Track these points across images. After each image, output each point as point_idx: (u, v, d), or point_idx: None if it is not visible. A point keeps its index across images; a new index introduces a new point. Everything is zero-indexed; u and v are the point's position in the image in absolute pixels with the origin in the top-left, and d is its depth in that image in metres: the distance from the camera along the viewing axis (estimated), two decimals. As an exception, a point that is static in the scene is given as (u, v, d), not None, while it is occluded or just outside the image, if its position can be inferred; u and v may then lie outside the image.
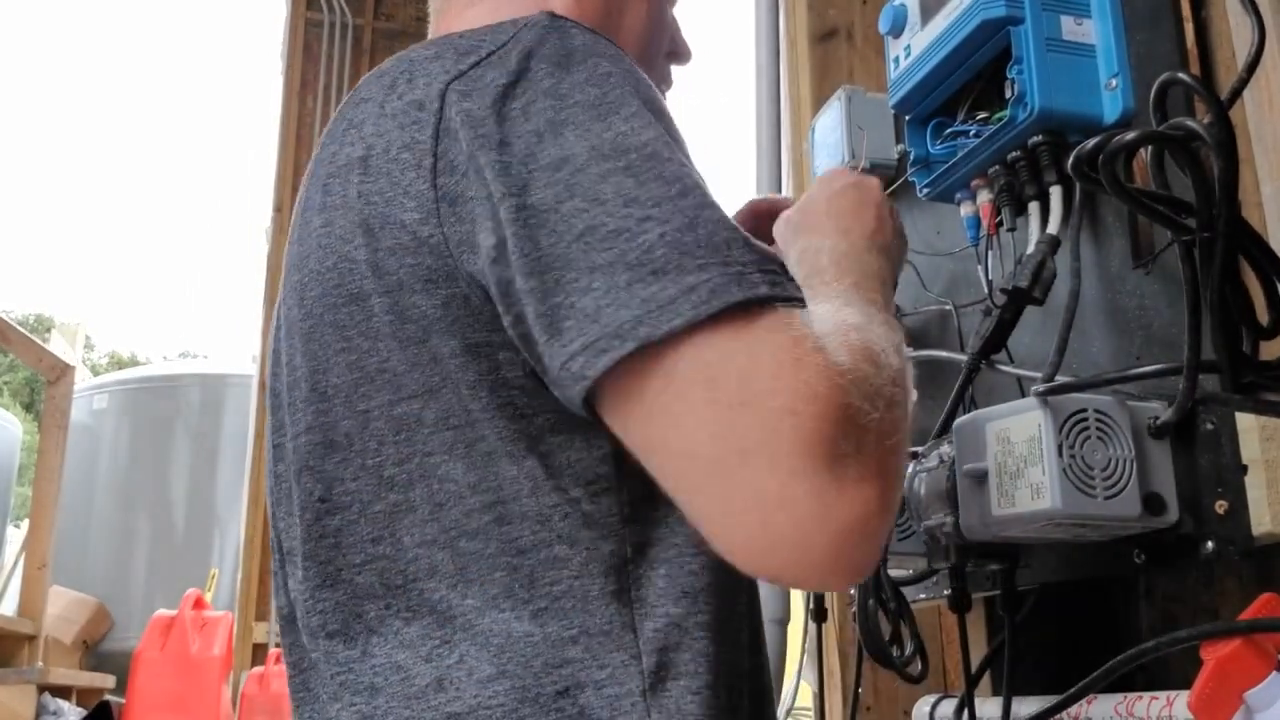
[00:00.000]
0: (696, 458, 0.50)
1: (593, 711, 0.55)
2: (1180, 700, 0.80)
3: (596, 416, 0.54)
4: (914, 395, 0.59)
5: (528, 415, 0.58)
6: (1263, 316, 0.71)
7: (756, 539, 0.49)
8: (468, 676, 0.56)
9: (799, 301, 0.54)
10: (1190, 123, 0.68)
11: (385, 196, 0.60)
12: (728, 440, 0.49)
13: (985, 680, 1.05)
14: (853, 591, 0.97)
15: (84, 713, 3.56)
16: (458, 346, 0.58)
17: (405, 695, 0.57)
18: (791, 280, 0.57)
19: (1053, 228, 0.89)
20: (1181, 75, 0.71)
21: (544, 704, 0.55)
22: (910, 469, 0.87)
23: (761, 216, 0.85)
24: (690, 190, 0.55)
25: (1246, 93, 0.82)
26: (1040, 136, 0.88)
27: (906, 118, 1.01)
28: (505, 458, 0.58)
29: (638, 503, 0.59)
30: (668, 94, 0.84)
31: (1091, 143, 0.68)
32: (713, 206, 0.55)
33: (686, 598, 0.58)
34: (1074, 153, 0.69)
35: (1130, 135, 0.67)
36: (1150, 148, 0.77)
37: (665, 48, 0.82)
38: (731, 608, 0.61)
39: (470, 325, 0.58)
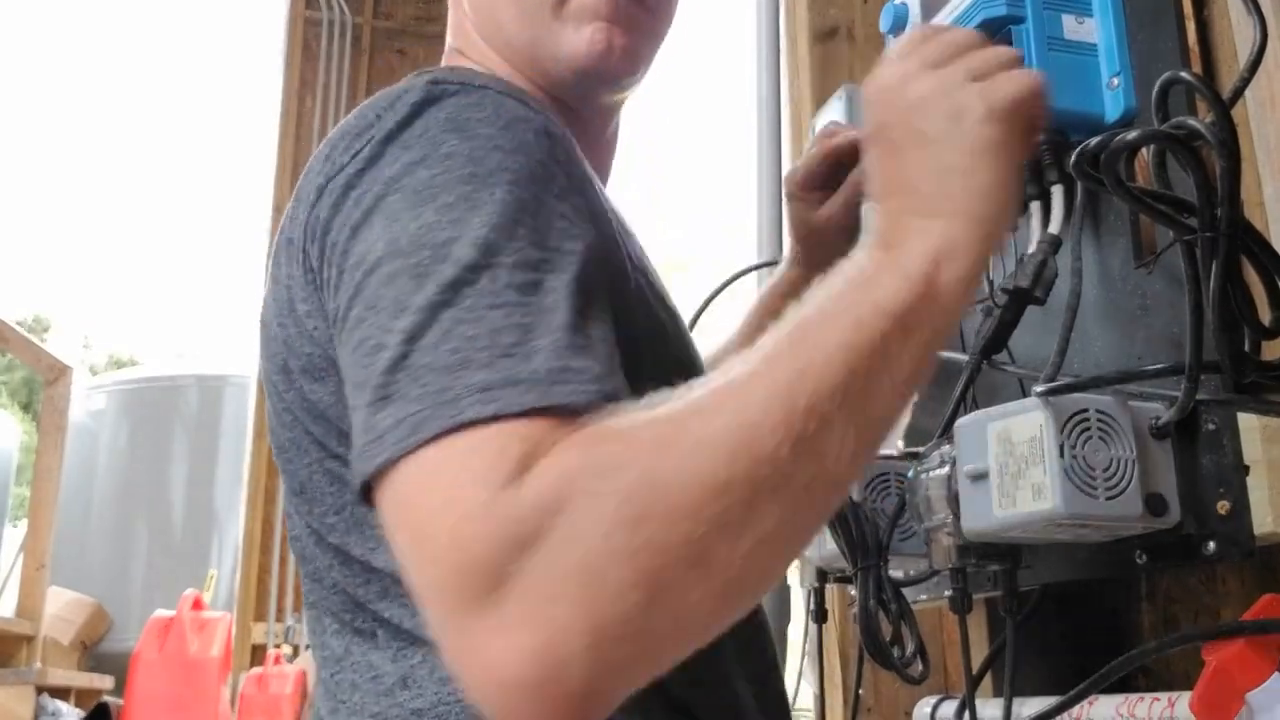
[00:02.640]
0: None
1: None
2: (1182, 701, 0.80)
3: None
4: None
5: None
6: (1265, 316, 0.71)
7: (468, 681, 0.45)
8: (429, 675, 0.58)
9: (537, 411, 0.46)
10: (1192, 122, 0.67)
11: (288, 284, 0.63)
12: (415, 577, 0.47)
13: (986, 681, 1.05)
14: (853, 592, 0.97)
15: (82, 714, 3.56)
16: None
17: (377, 693, 0.60)
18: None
19: (1054, 227, 0.89)
20: (1184, 74, 0.71)
21: None
22: (912, 470, 0.87)
23: (844, 155, 0.83)
24: (471, 292, 0.49)
25: (1248, 92, 0.82)
26: (1041, 135, 0.88)
27: (907, 117, 1.01)
28: None
29: None
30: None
31: (1094, 142, 0.67)
32: (473, 308, 0.49)
33: None
34: (1076, 152, 0.69)
35: (1132, 134, 0.67)
36: (1152, 147, 0.76)
37: None
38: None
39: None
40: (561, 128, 0.61)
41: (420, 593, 0.46)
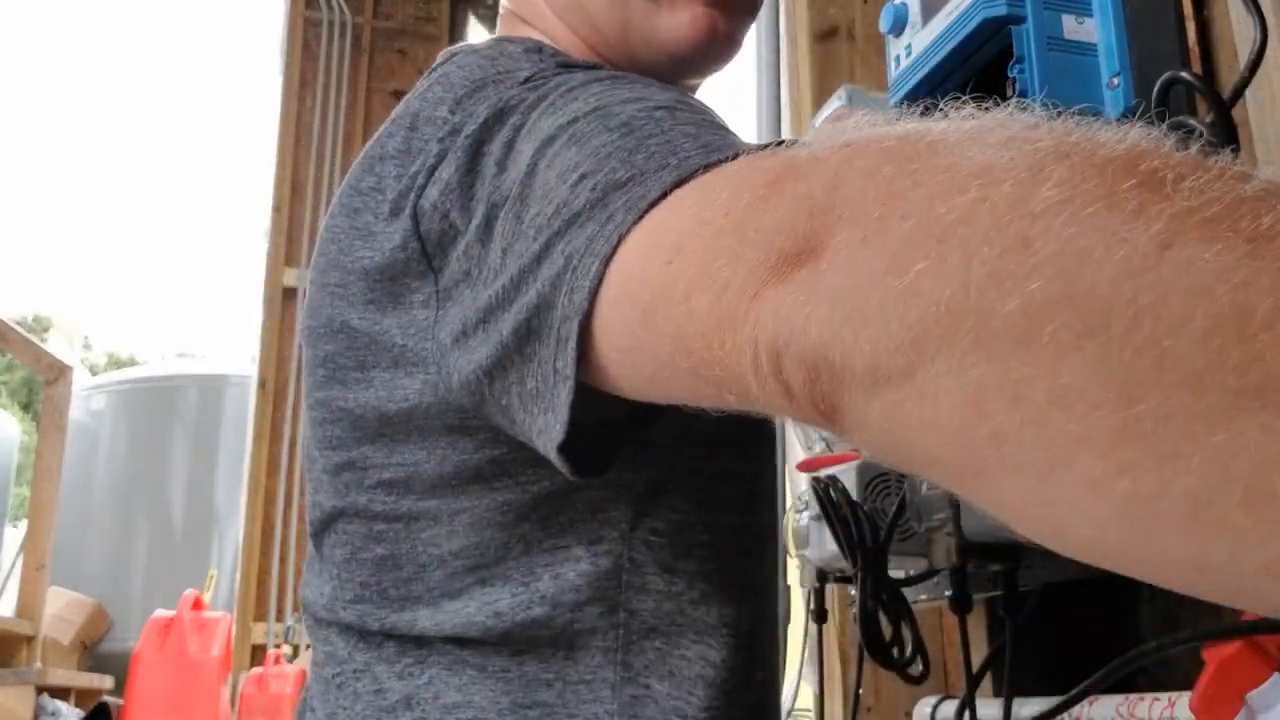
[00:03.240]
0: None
1: None
2: (1182, 701, 0.80)
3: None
4: None
5: (524, 484, 0.57)
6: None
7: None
8: (433, 700, 0.57)
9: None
10: (1193, 121, 0.67)
11: (387, 274, 0.59)
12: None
13: (986, 681, 1.05)
14: (853, 592, 0.97)
15: (82, 714, 3.56)
16: (444, 425, 0.56)
17: (378, 707, 0.59)
18: None
19: (1054, 227, 0.89)
20: (1184, 74, 0.71)
21: None
22: (911, 469, 0.87)
23: None
24: (566, 220, 0.45)
25: (1249, 92, 0.82)
26: (1041, 136, 0.88)
27: (907, 117, 1.01)
28: (493, 527, 0.57)
29: (640, 569, 0.58)
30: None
31: None
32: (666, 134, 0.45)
33: (672, 679, 0.57)
34: None
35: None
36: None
37: None
38: (727, 697, 0.59)
39: (452, 407, 0.56)
40: None
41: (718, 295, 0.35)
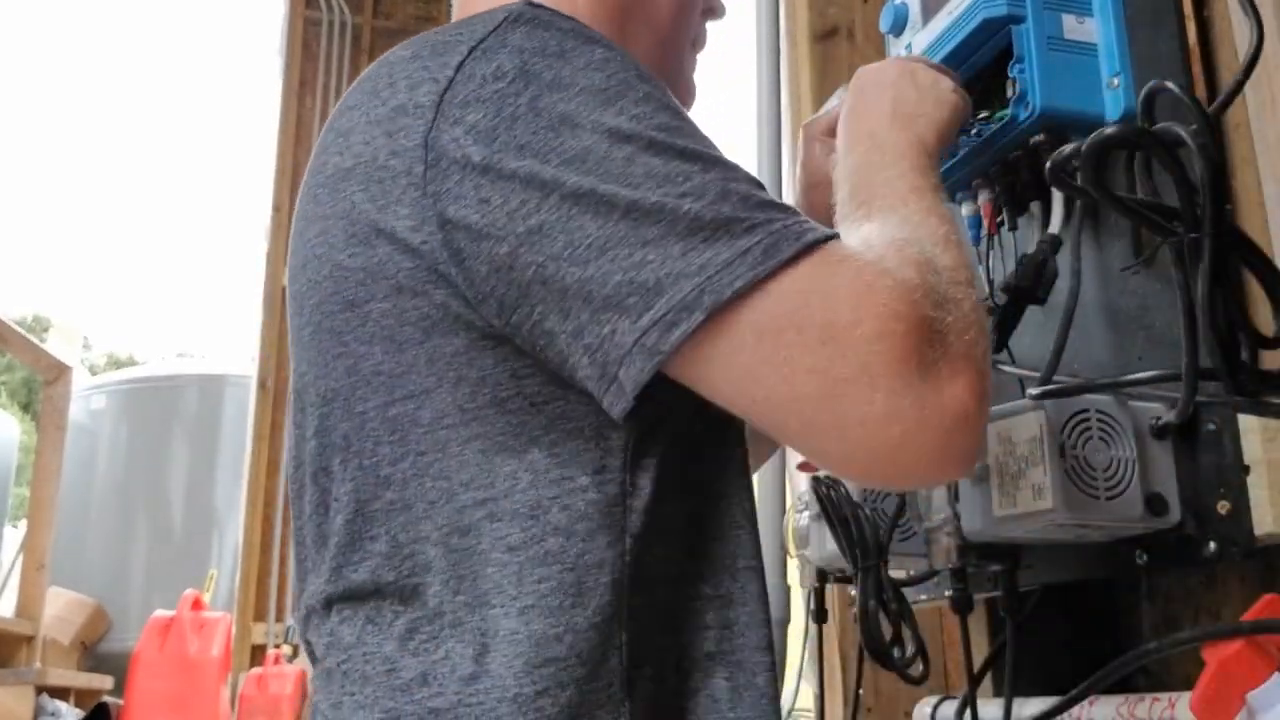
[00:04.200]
0: (798, 399, 0.53)
1: (572, 709, 0.56)
2: (1182, 702, 0.80)
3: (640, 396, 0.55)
4: (977, 280, 0.62)
5: (538, 404, 0.59)
6: (1266, 326, 0.71)
7: (873, 456, 0.53)
8: (450, 673, 0.57)
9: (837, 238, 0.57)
10: (1176, 128, 0.67)
11: (377, 204, 0.60)
12: (826, 374, 0.52)
13: (986, 681, 1.05)
14: (853, 592, 0.97)
15: (82, 714, 3.56)
16: (461, 345, 0.59)
17: (391, 687, 0.59)
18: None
19: (1054, 227, 0.89)
20: (1168, 84, 0.71)
21: (523, 703, 0.56)
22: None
23: (828, 136, 0.85)
24: (712, 161, 0.56)
25: (1249, 92, 0.82)
26: (1041, 136, 0.88)
27: (907, 117, 1.00)
28: (504, 452, 0.59)
29: (647, 498, 0.60)
30: (698, 61, 0.82)
31: (1066, 149, 0.67)
32: (736, 169, 0.57)
33: (670, 584, 0.61)
34: (1049, 161, 0.69)
35: (1108, 132, 0.67)
36: (1140, 153, 0.76)
37: (700, 7, 0.80)
38: (719, 599, 0.63)
39: (473, 323, 0.58)
40: None
41: (850, 376, 0.52)
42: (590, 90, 0.57)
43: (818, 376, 0.52)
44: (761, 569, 0.66)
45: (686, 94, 0.80)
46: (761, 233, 0.54)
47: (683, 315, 0.53)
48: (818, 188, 0.87)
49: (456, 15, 0.76)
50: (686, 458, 0.63)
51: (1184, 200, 0.66)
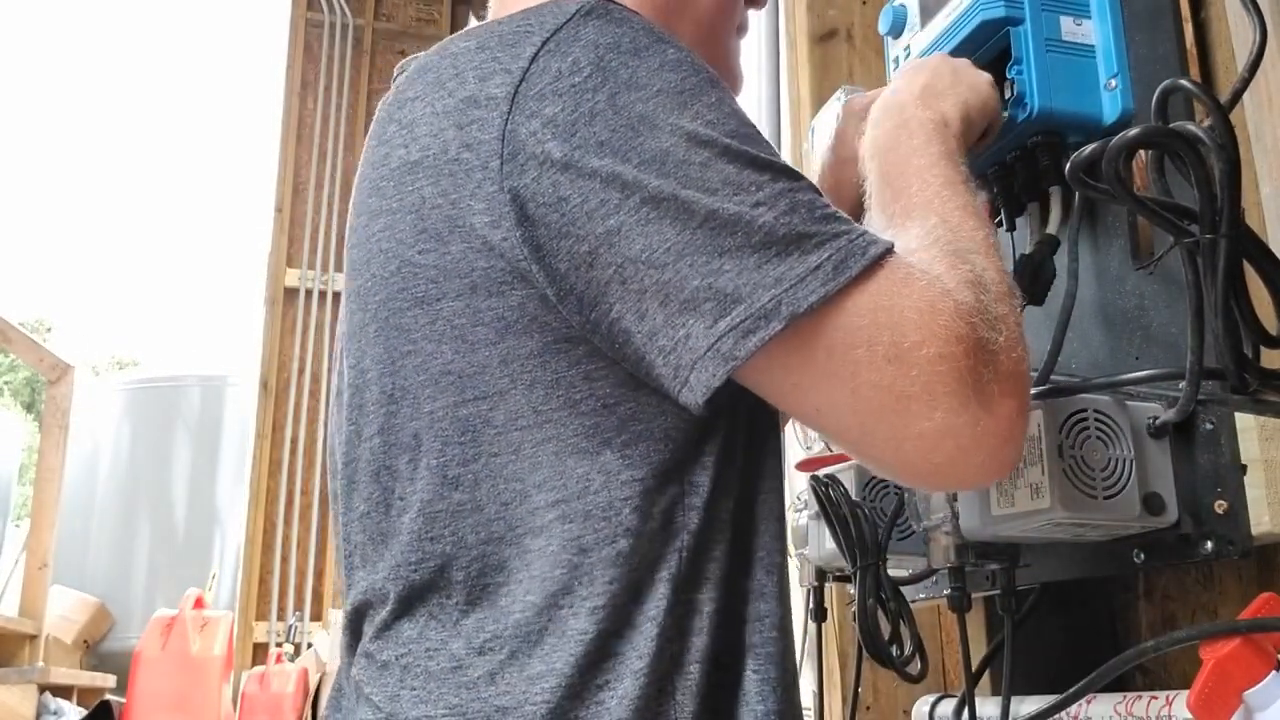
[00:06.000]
0: (860, 411, 0.56)
1: (629, 699, 0.57)
2: (1179, 700, 0.80)
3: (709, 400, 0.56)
4: (1016, 291, 0.64)
5: (610, 405, 0.59)
6: (1271, 325, 0.71)
7: (926, 466, 0.57)
8: (519, 672, 0.58)
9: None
10: (1191, 127, 0.67)
11: (449, 198, 0.60)
12: (891, 390, 0.55)
13: (985, 679, 1.05)
14: (852, 591, 0.97)
15: (84, 712, 3.56)
16: (536, 346, 0.59)
17: (457, 684, 0.59)
18: None
19: (1052, 228, 0.89)
20: (1183, 81, 0.71)
21: (586, 698, 0.57)
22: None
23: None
24: (779, 169, 0.58)
25: (1246, 93, 0.82)
26: (1039, 137, 0.88)
27: (906, 118, 1.00)
28: (576, 454, 0.59)
29: (704, 496, 0.61)
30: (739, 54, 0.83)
31: (1087, 149, 0.67)
32: (800, 177, 0.58)
33: (716, 579, 0.61)
34: (1070, 161, 0.69)
35: (1132, 133, 0.67)
36: (1150, 152, 0.77)
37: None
38: (767, 603, 0.64)
39: (549, 324, 0.59)
40: None
41: (914, 394, 0.55)
42: (666, 91, 0.58)
43: (882, 392, 0.55)
44: (786, 565, 0.67)
45: (733, 81, 0.81)
46: (830, 248, 0.56)
47: (760, 323, 0.54)
48: (848, 163, 0.87)
49: (496, 10, 0.76)
50: (736, 455, 0.64)
51: (1204, 201, 0.66)
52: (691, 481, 0.61)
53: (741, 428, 0.64)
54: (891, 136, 0.72)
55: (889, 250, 0.57)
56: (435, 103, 0.62)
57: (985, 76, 0.81)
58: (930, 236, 0.62)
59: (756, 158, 0.57)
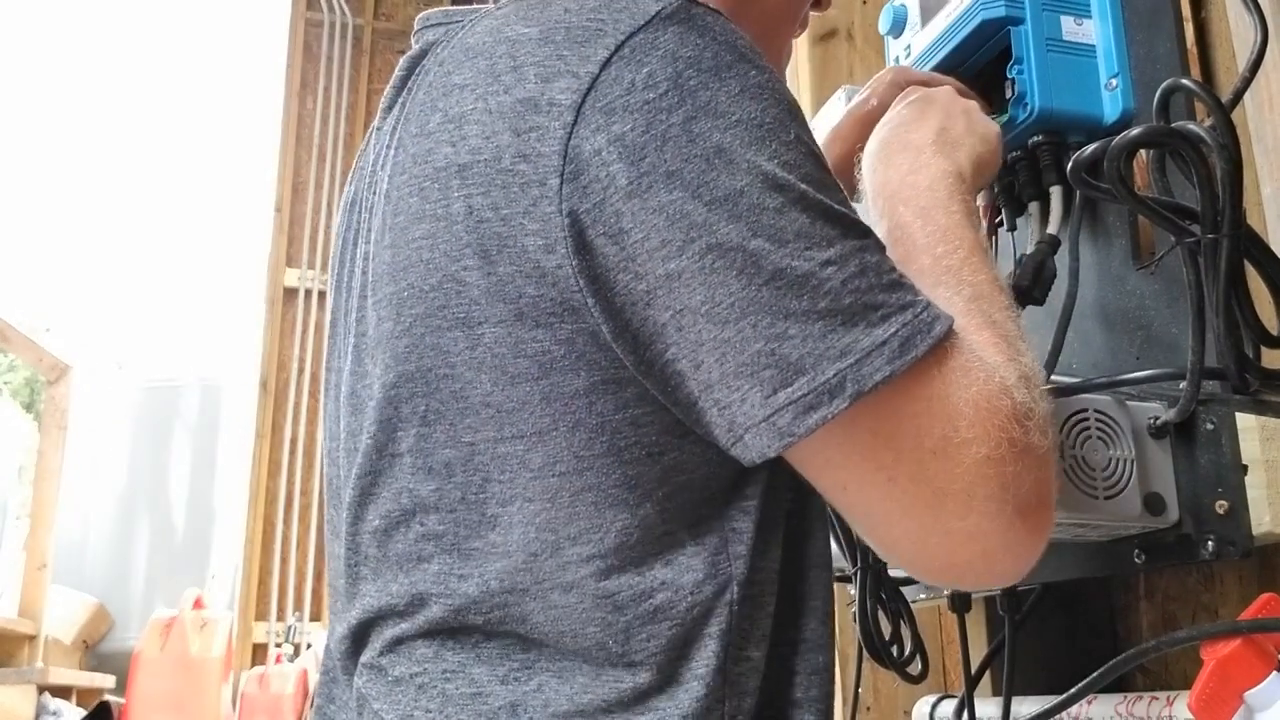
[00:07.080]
0: (890, 498, 0.53)
1: None
2: (1180, 700, 0.80)
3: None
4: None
5: (654, 454, 0.55)
6: (1272, 325, 0.71)
7: (945, 564, 0.54)
8: (543, 708, 0.54)
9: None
10: (1193, 127, 0.67)
11: (500, 214, 0.54)
12: (930, 485, 0.52)
13: (985, 680, 1.05)
14: (852, 591, 0.97)
15: (84, 713, 3.56)
16: (582, 386, 0.54)
17: (476, 712, 0.55)
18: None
19: (1053, 227, 0.89)
20: (1185, 81, 0.71)
21: None
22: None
23: (866, 125, 0.82)
24: (850, 223, 0.54)
25: (1247, 94, 0.82)
26: (1040, 136, 0.88)
27: (906, 118, 1.00)
28: (616, 506, 0.55)
29: (748, 544, 0.58)
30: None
31: (1089, 149, 0.67)
32: (868, 232, 0.55)
33: (765, 641, 0.59)
34: (1071, 161, 0.69)
35: (1135, 132, 0.67)
36: (1151, 152, 0.77)
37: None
38: (808, 652, 0.61)
39: (597, 363, 0.54)
40: None
41: (952, 492, 0.52)
42: (746, 123, 0.53)
43: (919, 486, 0.52)
44: (834, 610, 0.64)
45: (781, 73, 0.80)
46: (896, 322, 0.52)
47: (824, 399, 0.51)
48: (842, 158, 0.86)
49: None
50: (779, 499, 0.60)
51: (1205, 201, 0.66)
52: (734, 528, 0.57)
53: (785, 468, 0.58)
54: (909, 185, 0.68)
55: (951, 329, 0.53)
56: (489, 98, 0.55)
57: (995, 127, 0.78)
58: (972, 312, 0.59)
59: (830, 209, 0.53)
